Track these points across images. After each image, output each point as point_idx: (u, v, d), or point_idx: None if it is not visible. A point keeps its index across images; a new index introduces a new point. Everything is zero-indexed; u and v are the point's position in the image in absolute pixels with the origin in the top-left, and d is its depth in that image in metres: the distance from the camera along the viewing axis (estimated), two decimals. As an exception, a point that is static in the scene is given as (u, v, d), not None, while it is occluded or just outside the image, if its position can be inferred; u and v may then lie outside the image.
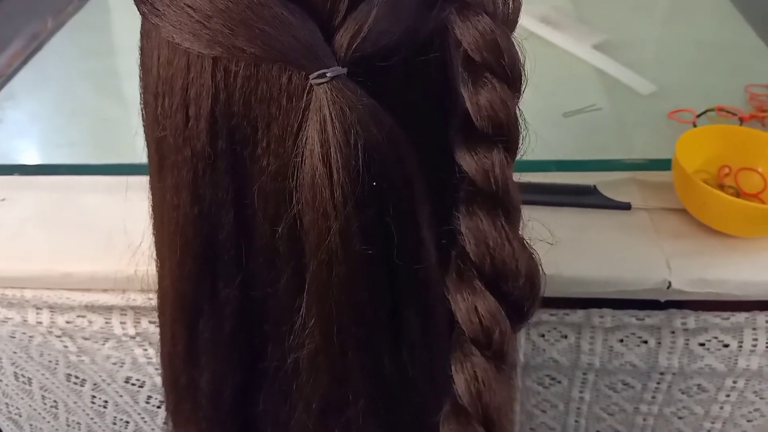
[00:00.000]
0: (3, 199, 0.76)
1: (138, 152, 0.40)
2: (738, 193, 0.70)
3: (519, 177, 0.33)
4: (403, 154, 0.32)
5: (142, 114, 0.38)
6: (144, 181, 0.40)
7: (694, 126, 0.81)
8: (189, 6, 0.31)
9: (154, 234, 0.41)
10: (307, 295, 0.34)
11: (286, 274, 0.36)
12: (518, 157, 0.66)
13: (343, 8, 0.30)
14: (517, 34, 0.33)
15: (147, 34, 0.36)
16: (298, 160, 0.32)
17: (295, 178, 0.32)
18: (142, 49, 0.37)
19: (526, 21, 1.03)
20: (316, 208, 0.31)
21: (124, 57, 1.04)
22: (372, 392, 0.36)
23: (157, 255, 0.42)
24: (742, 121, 0.82)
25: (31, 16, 1.17)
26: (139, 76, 0.37)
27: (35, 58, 1.06)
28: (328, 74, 0.29)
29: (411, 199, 0.32)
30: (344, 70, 0.30)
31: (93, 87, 0.99)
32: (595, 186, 0.73)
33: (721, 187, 0.71)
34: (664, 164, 0.72)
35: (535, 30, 1.02)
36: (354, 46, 0.30)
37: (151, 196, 0.40)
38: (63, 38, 1.12)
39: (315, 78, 0.30)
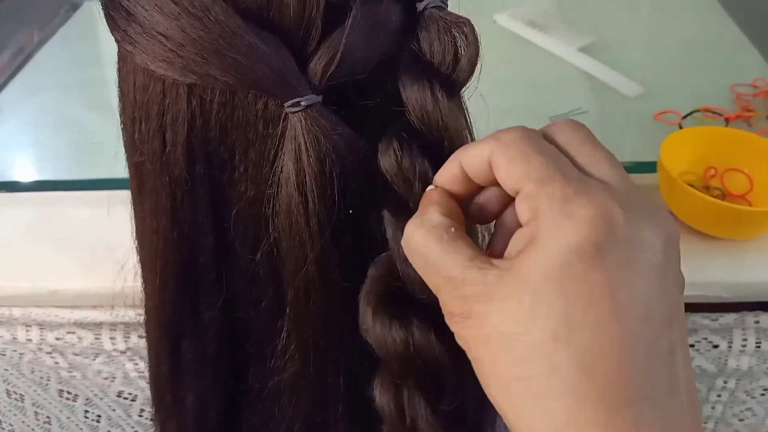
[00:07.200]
0: (-9, 217, 0.75)
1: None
2: (724, 195, 0.70)
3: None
4: (379, 181, 0.32)
5: (123, 136, 0.38)
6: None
7: (680, 127, 0.81)
8: (161, 34, 0.31)
9: (137, 254, 0.41)
10: (287, 320, 0.34)
11: (267, 298, 0.36)
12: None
13: (317, 36, 0.30)
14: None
15: (123, 57, 0.36)
16: (274, 187, 0.32)
17: (271, 204, 0.32)
18: (119, 71, 0.37)
19: (512, 24, 1.04)
20: (293, 236, 0.31)
21: (113, 69, 1.04)
22: (352, 415, 0.36)
23: (141, 276, 0.42)
24: (727, 121, 0.82)
25: (16, 26, 1.17)
26: (118, 98, 0.37)
27: (23, 72, 1.05)
28: (302, 103, 0.30)
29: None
30: (319, 98, 0.30)
31: (83, 99, 0.98)
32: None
33: (708, 188, 0.71)
34: (650, 167, 0.72)
35: (521, 33, 1.02)
36: (328, 74, 0.30)
37: (133, 218, 0.40)
38: (50, 51, 1.11)
39: (289, 106, 0.30)
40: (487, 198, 0.30)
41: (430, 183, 0.31)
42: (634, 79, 0.92)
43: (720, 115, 0.83)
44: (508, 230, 0.29)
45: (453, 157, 0.30)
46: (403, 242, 0.30)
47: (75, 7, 1.22)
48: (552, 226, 0.25)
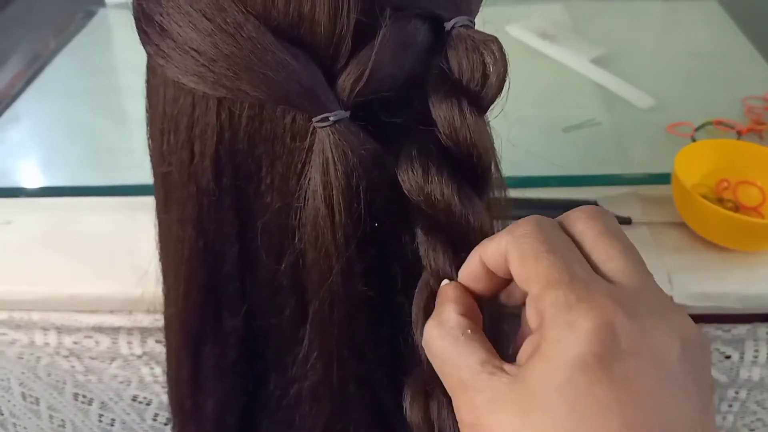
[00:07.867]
0: (9, 222, 0.76)
1: (145, 173, 0.40)
2: (737, 207, 0.71)
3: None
4: (405, 196, 0.32)
5: (149, 146, 0.39)
6: (151, 201, 0.41)
7: (693, 140, 0.82)
8: (194, 49, 0.31)
9: (160, 262, 0.42)
10: (309, 330, 0.35)
11: (290, 307, 0.36)
12: (520, 174, 0.65)
13: (346, 52, 0.30)
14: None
15: (153, 70, 0.36)
16: (301, 200, 0.32)
17: (298, 216, 0.32)
18: (148, 83, 0.37)
19: (524, 36, 1.04)
20: (318, 248, 0.32)
21: (128, 76, 1.05)
22: (372, 425, 0.36)
23: (163, 282, 0.42)
24: (739, 134, 0.82)
25: (32, 33, 1.18)
26: (146, 109, 0.38)
27: (39, 78, 1.06)
28: (331, 118, 0.30)
29: (413, 239, 0.33)
30: (347, 114, 0.30)
31: (99, 106, 0.99)
32: (596, 201, 0.73)
33: (720, 200, 0.71)
34: (663, 178, 0.73)
35: (533, 44, 1.03)
36: (356, 90, 0.30)
37: (157, 226, 0.41)
38: (66, 58, 1.12)
39: (318, 121, 0.30)
40: (513, 287, 0.30)
41: (453, 208, 0.31)
42: (645, 90, 0.92)
43: (732, 128, 0.83)
44: (527, 327, 0.28)
45: (473, 252, 0.30)
46: (423, 343, 0.29)
47: (90, 15, 1.23)
48: (554, 337, 0.24)
